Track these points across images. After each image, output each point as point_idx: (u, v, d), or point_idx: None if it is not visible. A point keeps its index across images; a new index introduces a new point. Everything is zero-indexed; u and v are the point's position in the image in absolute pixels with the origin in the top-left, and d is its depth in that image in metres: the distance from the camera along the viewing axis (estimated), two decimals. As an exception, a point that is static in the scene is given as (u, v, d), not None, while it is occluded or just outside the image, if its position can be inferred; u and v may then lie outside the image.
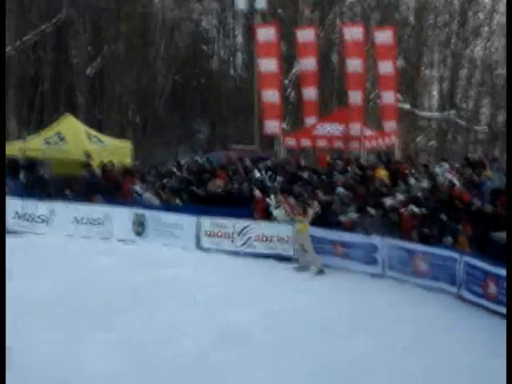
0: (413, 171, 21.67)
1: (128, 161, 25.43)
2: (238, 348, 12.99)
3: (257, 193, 20.52)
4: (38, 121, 38.29)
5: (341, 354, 12.63)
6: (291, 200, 19.15)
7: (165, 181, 22.61)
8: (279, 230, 19.29)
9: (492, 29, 43.02)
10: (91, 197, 22.24)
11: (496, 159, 22.40)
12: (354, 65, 25.04)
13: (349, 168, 22.61)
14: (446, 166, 21.87)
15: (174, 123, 42.54)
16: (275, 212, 19.42)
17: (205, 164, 24.54)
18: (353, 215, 18.81)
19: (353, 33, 25.25)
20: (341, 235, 18.51)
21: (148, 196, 21.81)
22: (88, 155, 23.55)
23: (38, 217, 22.07)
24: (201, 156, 31.56)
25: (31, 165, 24.50)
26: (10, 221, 22.03)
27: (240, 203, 20.52)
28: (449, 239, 16.66)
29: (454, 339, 13.30)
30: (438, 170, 21.64)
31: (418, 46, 42.42)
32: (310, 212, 18.39)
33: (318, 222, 18.89)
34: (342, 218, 18.89)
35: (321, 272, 18.01)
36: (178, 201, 21.50)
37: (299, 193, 20.18)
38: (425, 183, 19.91)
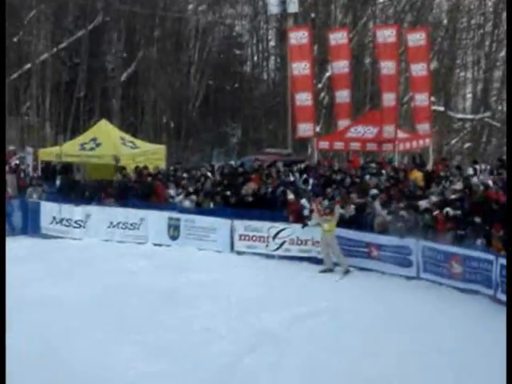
0: (447, 173, 21.59)
1: (162, 165, 25.60)
2: (272, 350, 13.06)
3: (290, 196, 20.56)
4: (74, 126, 38.67)
5: (375, 355, 12.64)
6: (319, 203, 19.12)
7: (199, 185, 22.72)
8: (313, 233, 19.30)
9: (526, 29, 42.65)
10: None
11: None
12: (387, 67, 25.00)
13: (383, 171, 22.60)
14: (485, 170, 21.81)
15: (207, 127, 42.71)
16: (311, 223, 19.38)
17: (238, 168, 24.63)
18: (387, 217, 18.76)
19: (386, 35, 25.21)
20: (375, 237, 18.49)
21: (181, 200, 21.93)
22: (117, 159, 23.75)
23: (75, 221, 22.30)
24: (234, 160, 31.69)
25: (67, 170, 24.78)
26: (47, 226, 22.33)
27: (274, 207, 20.58)
28: (483, 241, 16.56)
29: (490, 341, 13.24)
30: (470, 171, 21.58)
31: (452, 48, 42.19)
32: (337, 210, 18.43)
33: (351, 224, 18.91)
34: (376, 221, 18.86)
35: (347, 272, 18.08)
36: (211, 204, 21.60)
37: (332, 196, 20.20)
38: (458, 185, 19.82)
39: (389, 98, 25.11)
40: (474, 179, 20.55)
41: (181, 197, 22.00)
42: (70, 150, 25.08)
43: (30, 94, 39.71)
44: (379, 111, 26.70)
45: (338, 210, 18.58)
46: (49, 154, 25.56)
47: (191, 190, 22.09)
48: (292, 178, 22.81)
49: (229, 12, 45.64)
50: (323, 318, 14.91)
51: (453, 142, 42.26)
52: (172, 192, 22.31)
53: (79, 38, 40.38)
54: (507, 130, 16.85)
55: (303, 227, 19.27)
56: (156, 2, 41.07)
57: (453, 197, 18.88)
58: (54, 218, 22.39)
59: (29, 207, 22.60)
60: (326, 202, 19.59)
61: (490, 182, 20.16)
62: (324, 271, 18.45)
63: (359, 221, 19.11)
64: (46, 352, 12.68)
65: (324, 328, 14.26)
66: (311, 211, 19.42)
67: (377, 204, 19.14)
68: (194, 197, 21.86)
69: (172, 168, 25.41)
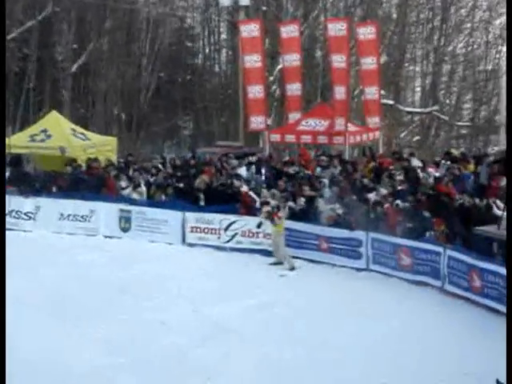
0: (396, 166, 21.85)
1: (113, 156, 25.49)
2: (224, 342, 13.15)
3: (242, 188, 20.65)
4: (24, 118, 38.26)
5: (326, 345, 12.82)
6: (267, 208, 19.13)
7: (150, 177, 22.68)
8: (265, 225, 19.41)
9: (474, 25, 43.24)
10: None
11: (487, 155, 22.58)
12: (338, 60, 25.17)
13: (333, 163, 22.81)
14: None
15: (158, 119, 42.54)
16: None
17: (190, 160, 24.64)
18: (337, 210, 18.96)
19: (336, 28, 25.38)
20: (325, 230, 18.67)
21: (130, 192, 21.85)
22: (63, 151, 23.59)
23: (25, 213, 22.12)
24: (186, 152, 31.68)
25: (17, 161, 24.52)
26: (-4, 217, 22.11)
27: (225, 199, 20.65)
28: (431, 234, 16.85)
29: (437, 329, 13.52)
30: (418, 163, 21.87)
31: (401, 42, 42.58)
32: (283, 215, 18.58)
33: (303, 216, 19.08)
34: (327, 213, 19.05)
35: (292, 269, 18.14)
36: (163, 197, 21.59)
37: (284, 188, 20.34)
38: (399, 177, 20.11)
39: (340, 91, 25.31)
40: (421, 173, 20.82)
41: (129, 189, 21.92)
42: (19, 141, 24.80)
43: (-22, 84, 39.15)
44: (330, 104, 26.91)
45: (284, 215, 18.76)
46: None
47: (139, 182, 22.03)
48: (244, 171, 22.88)
49: (180, 4, 45.48)
50: (274, 309, 15.05)
51: (402, 135, 42.67)
52: (123, 184, 22.24)
53: (29, 29, 39.89)
54: (507, 129, 17.14)
55: (259, 227, 19.38)
56: (107, -8, 40.80)
57: (400, 188, 19.15)
58: (3, 210, 22.18)
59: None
60: (277, 193, 19.77)
61: (437, 175, 20.47)
62: (274, 263, 18.57)
63: (310, 213, 19.28)
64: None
65: (275, 319, 14.40)
66: (262, 203, 19.53)
67: (319, 201, 19.36)
68: (141, 189, 21.79)
69: (123, 160, 25.31)
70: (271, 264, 18.56)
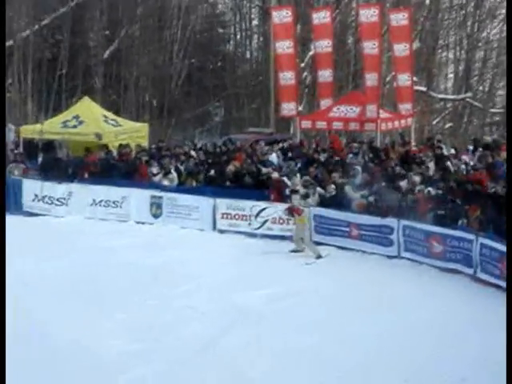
0: (429, 153, 21.71)
1: (145, 143, 25.60)
2: (251, 329, 13.17)
3: (273, 175, 20.64)
4: (56, 104, 38.49)
5: (354, 334, 12.79)
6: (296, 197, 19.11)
7: (181, 163, 22.73)
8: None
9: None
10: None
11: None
12: (370, 47, 25.03)
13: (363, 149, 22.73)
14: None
15: (190, 106, 42.61)
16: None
17: (221, 146, 24.66)
18: (368, 197, 18.90)
19: (369, 14, 25.21)
20: (355, 217, 18.62)
21: (160, 179, 21.93)
22: (99, 137, 23.71)
23: (57, 199, 22.28)
24: (217, 138, 31.71)
25: (49, 147, 24.71)
26: (29, 203, 22.30)
27: (256, 185, 20.66)
28: (463, 221, 16.74)
29: (469, 318, 13.43)
30: (451, 151, 21.70)
31: (434, 28, 42.20)
32: (304, 209, 18.52)
33: (333, 203, 19.03)
34: (357, 200, 19.00)
35: (319, 257, 17.91)
36: (194, 183, 21.64)
37: (316, 175, 20.31)
38: (431, 164, 19.98)
39: (371, 78, 25.17)
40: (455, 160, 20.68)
41: (160, 176, 22.00)
42: (52, 127, 25.02)
43: (12, 71, 39.41)
44: (362, 91, 26.76)
45: (315, 200, 18.83)
46: (31, 131, 25.46)
47: (169, 168, 22.09)
48: (274, 157, 22.86)
49: (212, -10, 45.48)
50: (303, 296, 15.02)
51: (434, 122, 42.35)
52: (155, 170, 22.31)
53: (62, 15, 40.08)
54: (507, 129, 17.00)
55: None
56: (139, -21, 40.86)
57: (432, 175, 19.05)
58: (36, 195, 22.36)
59: (11, 184, 22.53)
60: (307, 180, 19.77)
61: (472, 163, 20.32)
62: (294, 251, 18.48)
63: (340, 200, 19.23)
64: (28, 327, 12.72)
65: (303, 307, 14.35)
66: (292, 191, 19.54)
67: (348, 188, 19.30)
68: (172, 175, 21.86)
69: (154, 146, 25.40)
70: (291, 251, 18.47)
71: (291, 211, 18.43)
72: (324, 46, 27.32)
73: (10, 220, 21.56)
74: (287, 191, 19.89)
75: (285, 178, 20.43)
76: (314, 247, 18.21)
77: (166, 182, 21.81)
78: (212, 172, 21.69)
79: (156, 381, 11.16)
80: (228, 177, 21.24)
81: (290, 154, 23.19)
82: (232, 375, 11.28)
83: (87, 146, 23.80)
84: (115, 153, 23.54)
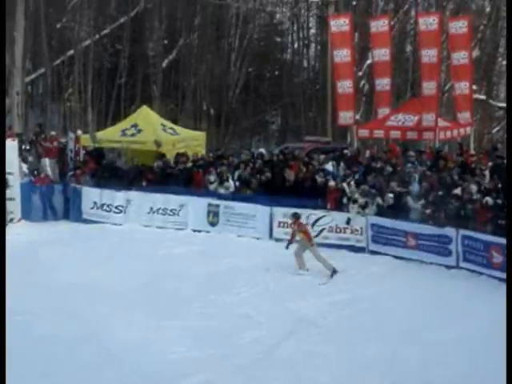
0: (487, 162, 21.42)
1: (202, 151, 25.73)
2: (309, 337, 13.17)
3: (330, 183, 20.58)
4: (115, 112, 38.99)
5: (413, 343, 12.67)
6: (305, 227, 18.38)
7: (238, 171, 22.80)
8: (352, 220, 19.33)
9: None
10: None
11: None
12: (429, 55, 24.87)
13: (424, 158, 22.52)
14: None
15: (247, 114, 42.78)
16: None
17: (278, 155, 24.66)
18: (427, 207, 18.72)
19: (428, 23, 25.06)
20: (414, 226, 18.46)
21: (216, 187, 22.02)
22: (158, 144, 23.90)
23: (116, 207, 22.52)
24: (274, 147, 31.74)
25: (98, 155, 24.95)
26: (89, 210, 22.58)
27: (313, 194, 20.61)
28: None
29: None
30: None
31: (494, 36, 41.71)
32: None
33: (390, 212, 18.90)
34: (416, 210, 18.84)
35: (334, 272, 17.21)
36: (251, 191, 21.68)
37: (373, 184, 20.20)
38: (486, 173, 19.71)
39: (430, 87, 24.99)
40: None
41: (216, 184, 22.12)
42: (111, 135, 25.31)
43: (73, 80, 40.07)
44: (420, 99, 26.55)
45: (373, 209, 18.78)
46: (90, 139, 25.77)
47: (226, 176, 22.18)
48: (331, 166, 22.79)
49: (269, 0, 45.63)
50: (361, 305, 14.96)
51: (494, 130, 41.82)
52: (212, 179, 22.42)
53: (121, 25, 40.66)
54: (507, 130, 16.73)
55: (348, 223, 19.32)
56: (197, -12, 41.21)
57: (490, 185, 18.78)
58: (95, 203, 22.63)
59: (70, 192, 22.87)
60: (365, 189, 19.67)
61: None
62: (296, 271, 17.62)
63: (398, 209, 19.09)
64: (86, 336, 12.87)
65: (362, 316, 14.30)
66: (349, 199, 19.48)
67: (409, 199, 19.14)
68: (228, 184, 21.95)
69: (211, 155, 25.53)
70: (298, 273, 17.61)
71: (296, 222, 18.04)
72: (382, 54, 27.21)
73: (70, 227, 22.04)
74: (345, 200, 19.81)
75: (345, 186, 20.28)
76: (327, 263, 17.40)
77: (222, 190, 21.92)
78: (268, 180, 21.69)
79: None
80: (285, 185, 21.22)
81: (346, 163, 23.07)
82: (298, 381, 11.32)
83: (145, 155, 24.03)
84: (173, 161, 23.69)
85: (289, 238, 18.11)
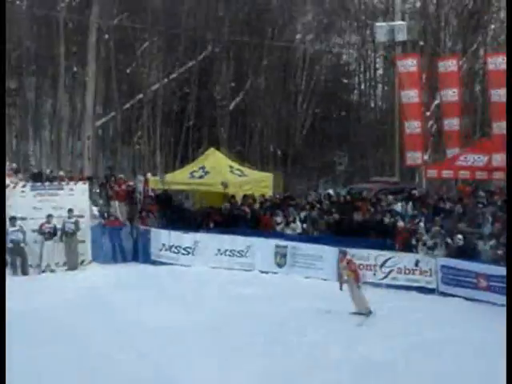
0: None
1: (269, 192, 25.80)
2: (380, 381, 12.94)
3: (399, 224, 20.40)
4: (183, 155, 39.44)
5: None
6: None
7: (305, 212, 22.78)
8: (422, 263, 19.10)
9: None
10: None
11: None
12: (498, 94, 24.59)
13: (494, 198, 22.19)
14: None
15: (313, 155, 42.83)
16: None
17: (345, 196, 24.59)
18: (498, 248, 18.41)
19: (497, 62, 24.85)
20: (485, 268, 18.13)
21: (283, 228, 22.03)
22: (225, 185, 24.05)
23: (184, 248, 22.68)
24: (341, 188, 31.66)
25: (166, 197, 25.21)
26: (157, 252, 22.78)
27: (381, 234, 20.46)
28: None
29: None
30: None
31: None
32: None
33: (460, 253, 18.63)
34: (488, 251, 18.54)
35: (370, 313, 16.95)
36: (318, 232, 21.62)
37: (441, 225, 19.97)
38: None
39: (499, 126, 24.67)
40: None
41: (282, 225, 22.13)
42: (179, 178, 25.60)
43: (142, 123, 40.72)
44: (490, 139, 26.22)
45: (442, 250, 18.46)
46: (159, 182, 26.11)
47: (294, 218, 22.18)
48: (399, 206, 22.62)
49: (336, 41, 45.82)
50: (434, 347, 14.67)
51: None
52: (279, 220, 22.45)
53: (189, 68, 41.27)
54: (507, 130, 16.31)
55: (416, 265, 19.10)
56: (264, 31, 41.58)
57: None
58: (164, 244, 22.84)
59: (139, 234, 23.13)
60: (435, 230, 19.44)
61: None
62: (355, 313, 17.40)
63: (468, 250, 18.81)
64: (158, 378, 12.90)
65: (436, 357, 14.02)
66: (417, 240, 19.28)
67: (480, 243, 18.86)
68: (295, 225, 21.94)
69: (278, 196, 25.58)
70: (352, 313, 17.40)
71: (344, 260, 17.60)
72: (450, 94, 27.03)
73: (139, 268, 22.26)
74: (413, 241, 19.60)
75: (421, 226, 20.03)
76: (364, 305, 17.06)
77: (289, 231, 21.90)
78: (336, 221, 21.62)
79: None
80: (352, 226, 21.11)
81: (414, 204, 22.86)
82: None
83: (213, 196, 24.23)
84: (240, 203, 23.81)
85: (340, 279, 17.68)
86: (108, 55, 39.64)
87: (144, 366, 13.34)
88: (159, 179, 25.98)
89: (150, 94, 40.15)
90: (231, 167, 26.19)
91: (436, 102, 34.86)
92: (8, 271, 21.16)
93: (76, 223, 21.91)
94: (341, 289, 17.35)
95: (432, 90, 35.57)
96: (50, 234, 21.64)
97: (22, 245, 21.34)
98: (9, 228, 21.33)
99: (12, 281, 20.49)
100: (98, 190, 25.82)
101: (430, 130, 37.97)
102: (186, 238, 22.69)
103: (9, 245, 21.26)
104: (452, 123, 27.25)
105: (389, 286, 19.60)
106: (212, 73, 41.67)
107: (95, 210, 24.49)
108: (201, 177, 25.14)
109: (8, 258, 21.38)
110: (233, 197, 23.97)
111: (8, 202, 22.00)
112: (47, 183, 23.26)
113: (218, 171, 25.27)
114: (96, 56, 37.22)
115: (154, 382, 12.68)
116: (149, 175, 27.00)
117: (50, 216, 21.67)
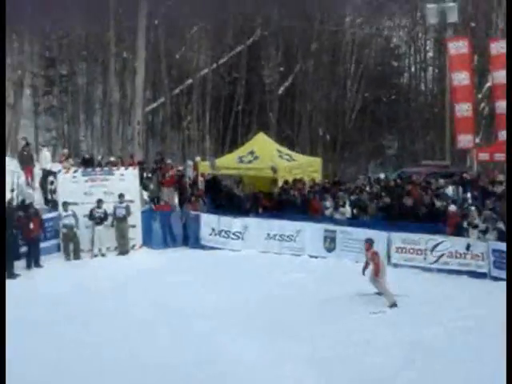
0: None
1: (318, 177, 25.73)
2: (431, 363, 12.89)
3: (450, 208, 20.20)
4: (232, 139, 39.54)
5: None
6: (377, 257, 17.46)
7: (354, 197, 22.67)
8: (473, 246, 18.90)
9: None
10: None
11: None
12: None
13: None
14: None
15: (363, 139, 42.60)
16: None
17: (396, 179, 24.41)
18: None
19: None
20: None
21: (331, 212, 21.94)
22: (274, 170, 24.03)
23: (233, 233, 22.73)
24: (391, 172, 31.45)
25: (214, 182, 25.27)
26: (207, 237, 22.88)
27: (432, 219, 20.28)
28: None
29: None
30: None
31: None
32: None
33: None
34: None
35: (393, 306, 16.56)
36: (367, 217, 21.51)
37: (493, 207, 19.71)
38: None
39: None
40: None
41: (331, 209, 22.05)
42: (228, 162, 25.64)
43: (191, 108, 40.91)
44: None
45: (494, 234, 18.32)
46: (208, 166, 26.18)
47: (343, 202, 22.08)
48: (450, 190, 22.40)
49: (386, 24, 45.44)
50: (483, 332, 14.54)
51: None
52: (328, 204, 22.37)
53: (238, 53, 41.30)
54: (507, 132, 15.95)
55: (468, 248, 18.94)
56: (313, 15, 41.38)
57: None
58: (213, 229, 22.91)
59: (189, 219, 23.23)
60: (487, 214, 19.19)
61: None
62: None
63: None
64: (204, 362, 13.00)
65: (484, 342, 13.89)
66: (469, 224, 19.05)
67: None
68: (344, 209, 21.84)
69: (327, 180, 25.50)
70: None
71: (370, 250, 17.26)
72: (502, 76, 26.59)
73: (189, 253, 22.39)
74: (465, 225, 19.39)
75: (472, 209, 19.76)
76: (390, 296, 16.73)
77: (338, 216, 21.82)
78: (387, 205, 21.48)
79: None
80: (403, 210, 20.96)
81: (465, 187, 22.62)
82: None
83: (262, 181, 24.24)
84: (289, 187, 23.78)
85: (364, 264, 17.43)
86: (157, 41, 39.83)
87: (191, 351, 13.46)
88: (208, 164, 26.04)
89: (199, 79, 40.29)
90: (280, 152, 26.13)
91: (488, 84, 34.43)
92: (61, 256, 21.51)
93: (127, 208, 22.09)
94: (363, 273, 17.14)
95: (484, 71, 35.15)
96: (101, 219, 21.86)
97: (75, 229, 21.60)
98: (62, 213, 21.65)
99: (64, 266, 20.87)
100: (148, 175, 26.00)
101: (482, 112, 37.54)
102: (236, 223, 22.73)
103: (62, 230, 21.59)
104: (503, 105, 26.80)
105: (440, 271, 19.42)
106: (261, 57, 41.66)
107: (145, 195, 24.69)
108: (250, 161, 25.13)
109: (61, 243, 21.71)
110: (286, 182, 23.94)
111: (60, 188, 22.35)
112: (98, 169, 23.49)
113: (266, 156, 25.24)
114: (146, 41, 37.38)
115: (201, 367, 12.75)
116: (198, 159, 27.07)
117: (100, 201, 21.89)
